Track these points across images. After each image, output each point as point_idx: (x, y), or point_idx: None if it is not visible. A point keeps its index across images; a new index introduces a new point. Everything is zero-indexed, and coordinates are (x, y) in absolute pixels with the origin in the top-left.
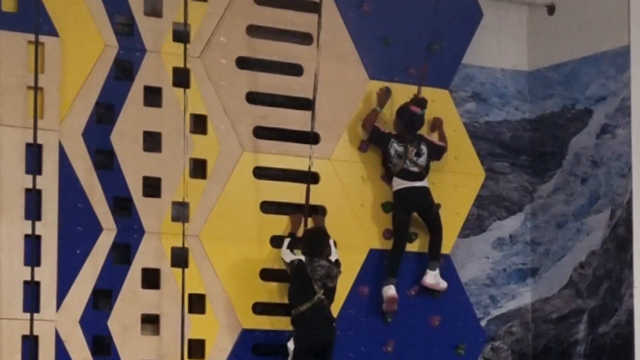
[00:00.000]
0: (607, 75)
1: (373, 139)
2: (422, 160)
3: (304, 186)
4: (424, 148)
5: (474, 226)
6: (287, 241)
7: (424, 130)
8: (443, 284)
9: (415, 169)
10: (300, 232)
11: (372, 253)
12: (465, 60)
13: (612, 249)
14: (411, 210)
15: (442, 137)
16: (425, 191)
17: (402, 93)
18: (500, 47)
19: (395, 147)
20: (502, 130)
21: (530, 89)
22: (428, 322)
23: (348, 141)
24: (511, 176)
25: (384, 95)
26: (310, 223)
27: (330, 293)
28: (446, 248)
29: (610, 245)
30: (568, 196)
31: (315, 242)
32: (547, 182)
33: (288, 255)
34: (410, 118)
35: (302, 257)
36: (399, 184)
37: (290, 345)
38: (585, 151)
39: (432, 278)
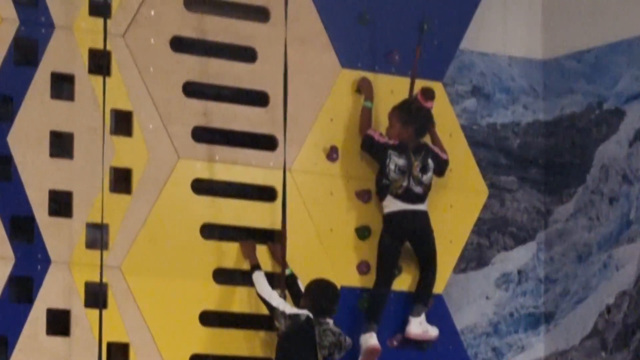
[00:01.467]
0: None
1: (367, 149)
2: (427, 177)
3: (256, 204)
4: (430, 162)
5: (472, 258)
6: (260, 275)
7: None
8: (433, 332)
9: (419, 189)
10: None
11: (344, 292)
12: (463, 45)
13: None
14: (405, 239)
15: (438, 144)
16: (425, 217)
17: (384, 86)
18: (507, 29)
19: (395, 160)
20: (508, 135)
21: (544, 82)
22: None
23: (313, 147)
24: (520, 194)
25: (369, 85)
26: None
27: None
28: (438, 286)
29: None
30: (592, 220)
31: (326, 297)
32: (566, 203)
33: (279, 300)
34: (426, 119)
35: (309, 314)
36: (394, 205)
37: None
38: (615, 163)
39: (418, 326)
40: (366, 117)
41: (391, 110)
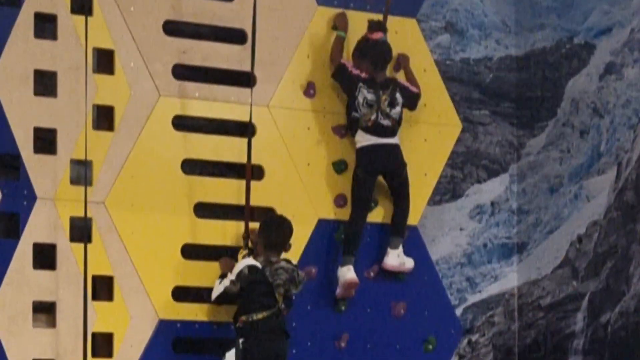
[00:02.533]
0: (612, 0)
1: (338, 78)
2: (396, 111)
3: (235, 140)
4: (399, 97)
5: (447, 191)
6: (216, 286)
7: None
8: (409, 264)
9: (387, 122)
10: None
11: (322, 224)
12: None
13: (618, 218)
14: (378, 172)
15: (411, 79)
16: (396, 150)
17: (359, 23)
18: None
19: (365, 93)
20: (481, 70)
21: (516, 18)
22: (390, 311)
23: (291, 83)
24: (492, 128)
25: (343, 18)
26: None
27: (289, 301)
28: (414, 218)
29: (616, 214)
30: (563, 153)
31: (278, 232)
32: (538, 136)
33: (223, 281)
34: (377, 50)
35: (251, 261)
36: (365, 139)
37: (231, 357)
38: (585, 96)
39: (395, 258)
40: (338, 46)
41: (353, 54)
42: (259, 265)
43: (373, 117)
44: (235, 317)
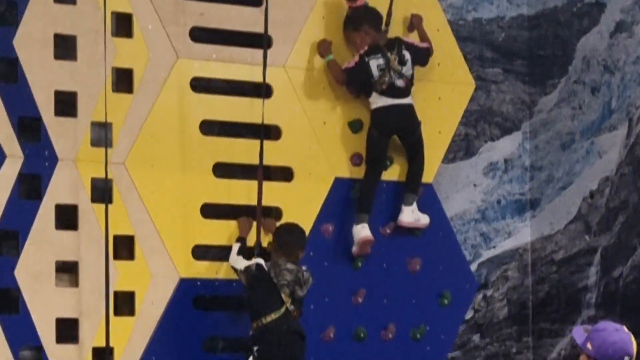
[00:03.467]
0: None
1: (352, 80)
2: (407, 69)
3: (252, 101)
4: (406, 54)
5: (460, 148)
6: (236, 246)
7: (398, 32)
8: (424, 220)
9: (401, 82)
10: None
11: (338, 183)
12: None
13: (629, 174)
14: (392, 133)
15: (423, 36)
16: (411, 110)
17: None
18: None
19: (374, 61)
20: (493, 29)
21: None
22: (406, 267)
23: (306, 44)
24: (505, 86)
25: (325, 43)
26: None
27: (299, 303)
28: (428, 176)
29: (627, 169)
30: (575, 110)
31: (292, 239)
32: (550, 94)
33: (241, 262)
34: (368, 13)
35: (261, 261)
36: (381, 101)
37: None
38: (596, 54)
39: (409, 215)
40: (335, 67)
41: (343, 33)
42: (265, 266)
43: (387, 78)
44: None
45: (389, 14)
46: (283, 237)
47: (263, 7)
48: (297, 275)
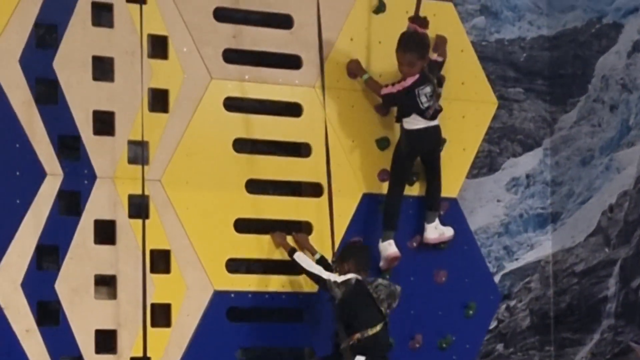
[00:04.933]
0: None
1: (392, 104)
2: (441, 89)
3: (283, 119)
4: (437, 73)
5: (484, 165)
6: (300, 254)
7: None
8: (448, 232)
9: (437, 105)
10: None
11: (366, 198)
12: None
13: None
14: (421, 153)
15: (442, 54)
16: (439, 132)
17: (397, 7)
18: None
19: (423, 91)
20: (515, 49)
21: (548, 0)
22: (432, 279)
23: (335, 64)
24: (527, 104)
25: (356, 64)
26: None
27: (388, 317)
28: (453, 191)
29: None
30: (594, 127)
31: (366, 257)
32: (569, 111)
33: (326, 272)
34: (425, 43)
35: (357, 276)
36: (418, 123)
37: None
38: (614, 73)
39: (433, 231)
40: (373, 84)
41: (403, 53)
42: (363, 280)
43: (433, 105)
44: (338, 336)
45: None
46: (362, 255)
47: (293, 29)
48: (391, 289)
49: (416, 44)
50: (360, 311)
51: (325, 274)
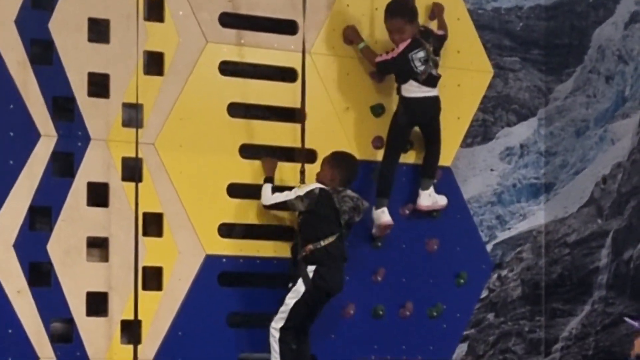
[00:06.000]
0: None
1: (386, 72)
2: (438, 57)
3: (279, 85)
4: (434, 43)
5: (478, 133)
6: (268, 186)
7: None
8: (441, 201)
9: (435, 71)
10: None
11: (360, 165)
12: None
13: None
14: (419, 123)
15: (442, 24)
16: (438, 102)
17: None
18: None
19: (416, 56)
20: (512, 18)
21: None
22: (424, 247)
23: (331, 30)
24: (522, 74)
25: (353, 31)
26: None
27: (348, 229)
28: (447, 159)
29: (639, 155)
30: (589, 98)
31: (353, 169)
32: (565, 82)
33: (287, 194)
34: (407, 6)
35: (322, 185)
36: (417, 91)
37: (300, 287)
38: (611, 44)
39: (427, 198)
40: (368, 53)
41: (391, 19)
42: (328, 190)
43: (428, 69)
44: (294, 248)
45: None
46: (346, 164)
47: None
48: (356, 203)
49: (401, 8)
50: (318, 223)
51: (283, 196)
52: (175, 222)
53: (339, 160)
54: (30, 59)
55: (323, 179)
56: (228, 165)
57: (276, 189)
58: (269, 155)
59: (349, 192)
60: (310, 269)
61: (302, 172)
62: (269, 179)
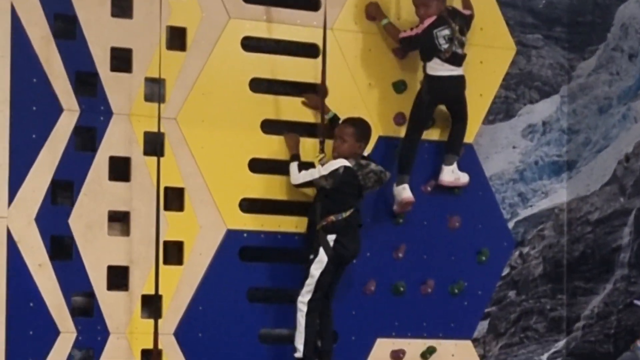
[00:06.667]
0: None
1: (410, 49)
2: (465, 38)
3: (301, 60)
4: (461, 22)
5: (500, 110)
6: (295, 165)
7: None
8: (464, 178)
9: (460, 50)
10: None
11: (382, 141)
12: None
13: None
14: (443, 102)
15: (467, 3)
16: (463, 81)
17: None
18: None
19: (441, 33)
20: None
21: None
22: (446, 224)
23: (354, 7)
24: (545, 51)
25: (376, 8)
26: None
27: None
28: (468, 136)
29: None
30: (612, 75)
31: (369, 131)
32: (588, 59)
33: (312, 172)
34: None
35: (346, 162)
36: (441, 69)
37: (323, 256)
38: (634, 22)
39: (450, 174)
40: (392, 30)
41: None
42: (353, 167)
43: (453, 48)
44: (312, 219)
45: None
46: (365, 130)
47: None
48: (380, 176)
49: None
50: (340, 197)
51: (310, 175)
52: (197, 196)
53: (364, 131)
54: (54, 34)
55: (348, 153)
56: (249, 140)
57: (302, 166)
58: (290, 130)
59: (373, 165)
60: (331, 237)
61: (322, 142)
62: (294, 157)
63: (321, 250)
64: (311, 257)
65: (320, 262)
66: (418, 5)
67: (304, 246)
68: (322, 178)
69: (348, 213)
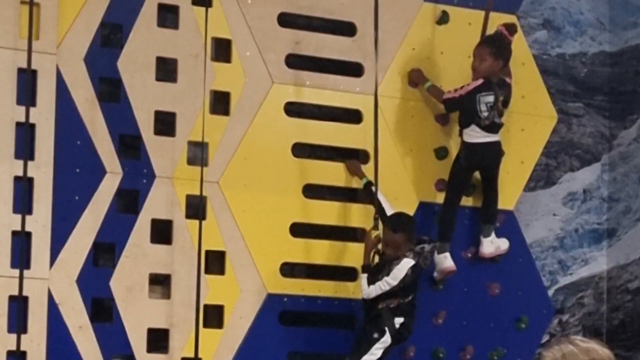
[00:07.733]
0: None
1: (454, 109)
2: (506, 109)
3: (343, 126)
4: (506, 94)
5: (541, 178)
6: (364, 277)
7: None
8: (503, 245)
9: (499, 120)
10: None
11: (423, 207)
12: None
13: None
14: (480, 168)
15: (507, 71)
16: (500, 147)
17: (460, 19)
18: None
19: (484, 99)
20: (576, 64)
21: (610, 16)
22: (486, 291)
23: (397, 74)
24: (586, 119)
25: (419, 73)
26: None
27: None
28: (510, 203)
29: None
30: None
31: (414, 228)
32: (629, 128)
33: (387, 282)
34: (509, 51)
35: (412, 261)
36: (479, 136)
37: (387, 338)
38: None
39: (489, 245)
40: (435, 91)
41: (480, 46)
42: (416, 262)
43: (492, 116)
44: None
45: (487, 14)
46: (413, 228)
47: (356, 36)
48: (432, 251)
49: (494, 41)
50: (409, 287)
51: (380, 289)
52: (238, 260)
53: (411, 226)
54: (99, 97)
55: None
56: (291, 204)
57: (366, 270)
58: (333, 196)
59: (427, 248)
60: (398, 320)
61: (376, 219)
62: (365, 268)
63: (387, 332)
64: (375, 335)
65: (384, 343)
66: (476, 55)
67: (344, 311)
68: (394, 288)
69: (412, 296)
